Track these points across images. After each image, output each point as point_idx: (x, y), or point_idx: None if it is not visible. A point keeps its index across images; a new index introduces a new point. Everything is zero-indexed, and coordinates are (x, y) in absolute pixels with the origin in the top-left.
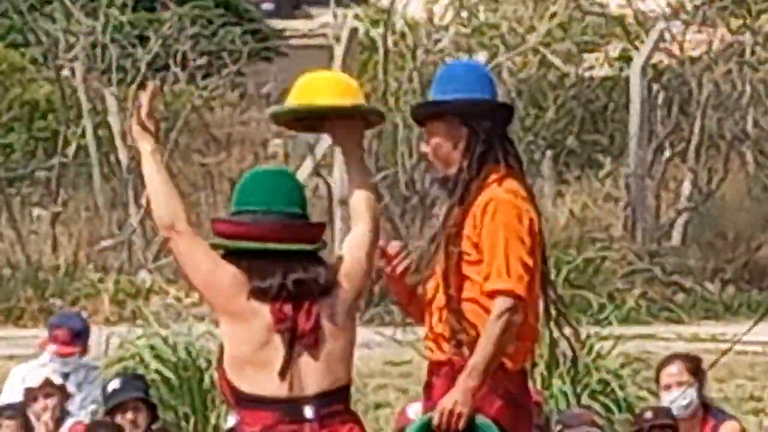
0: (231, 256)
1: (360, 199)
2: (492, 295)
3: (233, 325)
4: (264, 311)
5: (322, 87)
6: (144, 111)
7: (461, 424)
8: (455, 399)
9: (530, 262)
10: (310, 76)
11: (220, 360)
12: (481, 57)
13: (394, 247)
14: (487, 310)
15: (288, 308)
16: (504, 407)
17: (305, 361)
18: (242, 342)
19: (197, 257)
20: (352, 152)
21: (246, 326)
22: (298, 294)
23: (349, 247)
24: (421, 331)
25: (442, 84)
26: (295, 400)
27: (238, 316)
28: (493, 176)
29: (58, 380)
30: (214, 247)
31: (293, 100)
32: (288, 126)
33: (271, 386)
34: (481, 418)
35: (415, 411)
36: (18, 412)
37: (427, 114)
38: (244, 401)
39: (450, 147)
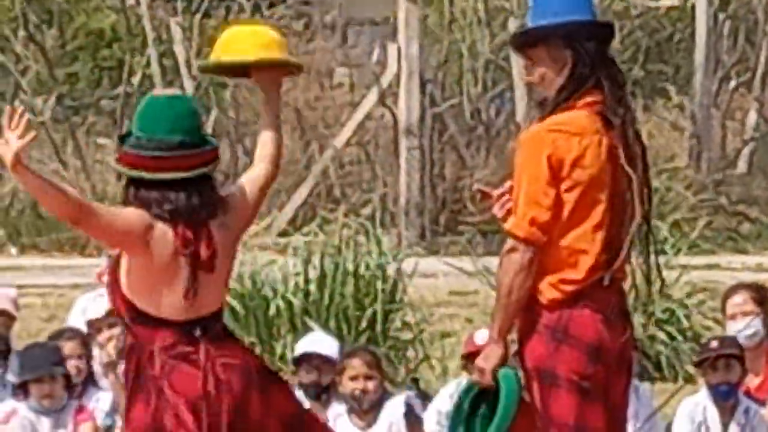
0: (132, 184)
1: (268, 140)
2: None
3: (143, 256)
4: (169, 236)
5: (247, 40)
6: (20, 146)
7: (485, 380)
8: (481, 355)
9: (543, 198)
10: (235, 29)
11: (114, 275)
12: None
13: (499, 190)
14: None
15: (189, 233)
16: (539, 342)
17: (203, 284)
18: (149, 268)
19: (108, 223)
20: (272, 99)
21: (154, 253)
22: (194, 219)
23: (247, 181)
24: (488, 261)
25: (538, 9)
26: (190, 322)
27: (147, 245)
28: (584, 100)
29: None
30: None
31: (221, 53)
32: (216, 74)
33: (173, 308)
34: (504, 369)
35: (482, 337)
36: (76, 333)
37: (529, 41)
38: (142, 320)
39: (555, 73)
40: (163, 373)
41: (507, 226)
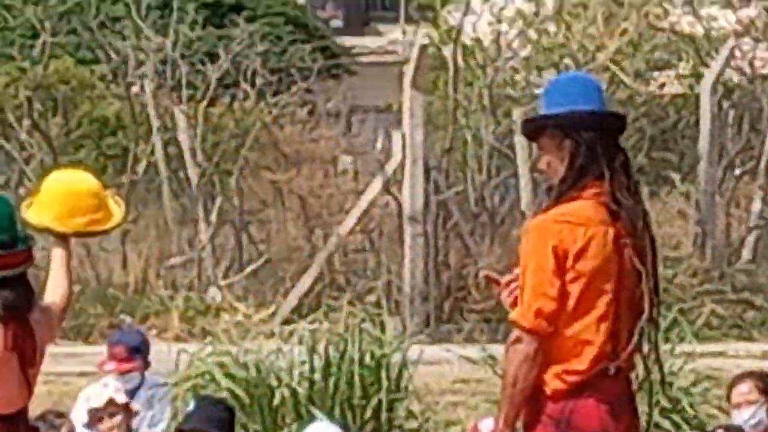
0: None
1: (58, 295)
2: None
3: None
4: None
5: (55, 205)
6: None
7: None
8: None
9: (549, 288)
10: (51, 187)
11: None
12: (551, 74)
13: (507, 277)
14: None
15: (17, 332)
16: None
17: (24, 379)
18: None
19: None
20: (66, 253)
21: None
22: (20, 316)
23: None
24: (492, 348)
25: (546, 98)
26: (12, 415)
27: None
28: (589, 190)
29: (121, 399)
30: None
31: (31, 211)
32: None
33: (4, 402)
34: None
35: (487, 426)
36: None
37: (530, 130)
38: None
39: (558, 162)
40: None
41: (512, 316)
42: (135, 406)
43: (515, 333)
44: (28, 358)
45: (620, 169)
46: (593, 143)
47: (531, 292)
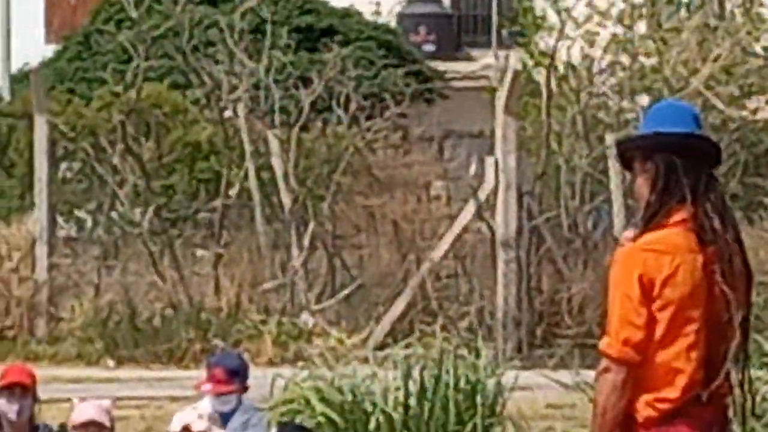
0: None
1: None
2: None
3: None
4: None
5: None
6: None
7: None
8: None
9: (636, 317)
10: None
11: None
12: (644, 100)
13: None
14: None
15: None
16: None
17: None
18: None
19: None
20: None
21: None
22: None
23: None
24: (585, 374)
25: (642, 123)
26: None
27: None
28: (676, 217)
29: (199, 427)
30: None
31: None
32: None
33: None
34: None
35: None
36: None
37: (619, 153)
38: None
39: (644, 185)
40: None
41: (601, 346)
42: (233, 425)
43: (604, 362)
44: None
45: (707, 194)
46: (674, 166)
47: (618, 321)
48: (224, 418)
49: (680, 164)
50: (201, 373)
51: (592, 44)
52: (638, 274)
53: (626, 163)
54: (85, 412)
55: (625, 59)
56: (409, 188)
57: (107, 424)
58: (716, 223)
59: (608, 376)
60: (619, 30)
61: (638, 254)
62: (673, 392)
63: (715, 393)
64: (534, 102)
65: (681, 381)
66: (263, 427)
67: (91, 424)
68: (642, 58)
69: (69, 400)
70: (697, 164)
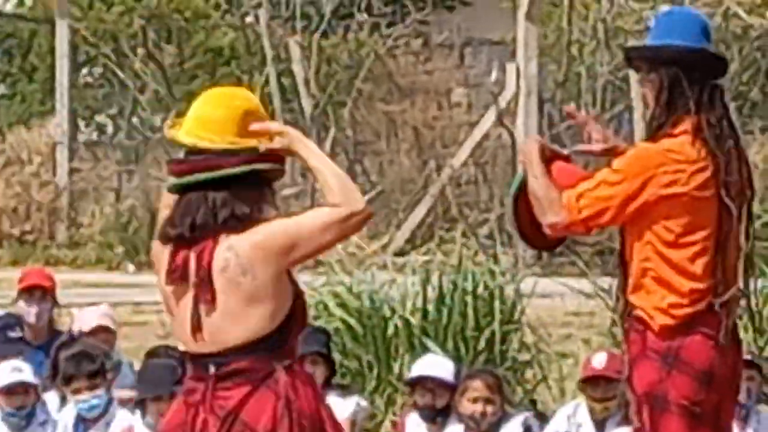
0: None
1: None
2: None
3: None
4: (162, 260)
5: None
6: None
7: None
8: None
9: (611, 201)
10: (209, 108)
11: None
12: (665, 7)
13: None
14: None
15: (181, 255)
16: (651, 368)
17: (205, 314)
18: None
19: None
20: (306, 157)
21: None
22: (182, 239)
23: (313, 212)
24: (605, 281)
25: (651, 31)
26: (201, 356)
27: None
28: (681, 127)
29: None
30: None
31: (197, 133)
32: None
33: (185, 341)
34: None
35: (599, 361)
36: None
37: (627, 62)
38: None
39: (650, 94)
40: (177, 409)
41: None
42: None
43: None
44: (197, 290)
45: (711, 105)
46: (678, 80)
47: (594, 193)
48: None
49: (684, 77)
50: None
51: None
52: (647, 177)
53: (636, 69)
54: (91, 318)
55: None
56: (430, 95)
57: (113, 327)
58: (721, 134)
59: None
60: None
61: (658, 156)
62: (683, 298)
63: (726, 302)
64: (555, 9)
65: (691, 288)
66: None
67: (100, 329)
68: None
69: (90, 304)
70: (701, 77)
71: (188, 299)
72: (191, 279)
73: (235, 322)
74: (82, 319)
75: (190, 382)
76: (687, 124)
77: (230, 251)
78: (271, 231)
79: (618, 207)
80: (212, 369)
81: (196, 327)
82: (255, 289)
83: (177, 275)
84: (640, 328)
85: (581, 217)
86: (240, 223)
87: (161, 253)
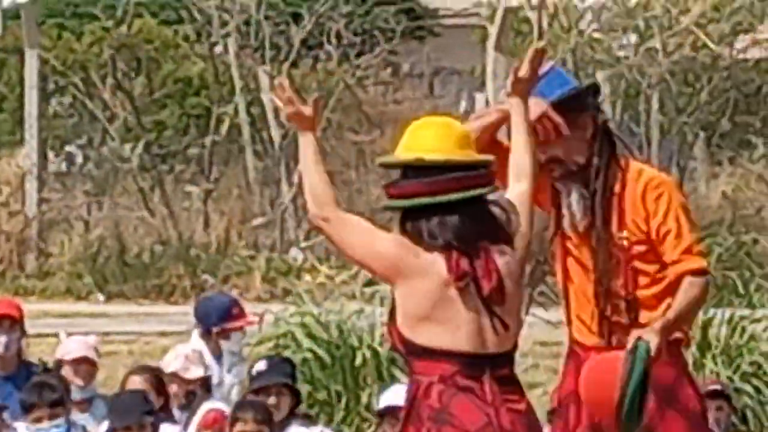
0: (406, 216)
1: (519, 157)
2: (687, 274)
3: (406, 286)
4: (439, 266)
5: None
6: (285, 99)
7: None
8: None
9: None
10: (418, 127)
11: (392, 317)
12: (633, 38)
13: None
14: (656, 297)
15: (465, 262)
16: (678, 377)
17: (486, 318)
18: (418, 299)
19: (350, 239)
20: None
21: (421, 283)
22: (471, 246)
23: (515, 198)
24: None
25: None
26: (475, 356)
27: (411, 275)
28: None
29: (174, 366)
30: (392, 209)
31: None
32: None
33: (453, 340)
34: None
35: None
36: (148, 369)
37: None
38: (420, 353)
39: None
40: (442, 402)
41: (692, 265)
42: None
43: (703, 281)
44: (489, 295)
45: None
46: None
47: (689, 234)
48: (217, 359)
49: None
50: (190, 308)
51: None
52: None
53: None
54: (75, 348)
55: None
56: (399, 125)
57: (95, 359)
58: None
59: (705, 296)
60: None
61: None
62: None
63: None
64: (524, 40)
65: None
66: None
67: (83, 360)
68: None
69: (57, 335)
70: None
71: (456, 301)
72: (485, 284)
73: (511, 325)
74: (66, 348)
75: (461, 379)
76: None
77: (505, 258)
78: (520, 238)
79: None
80: (485, 369)
81: (474, 327)
82: (522, 296)
83: (466, 281)
84: (675, 351)
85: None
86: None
87: (432, 261)
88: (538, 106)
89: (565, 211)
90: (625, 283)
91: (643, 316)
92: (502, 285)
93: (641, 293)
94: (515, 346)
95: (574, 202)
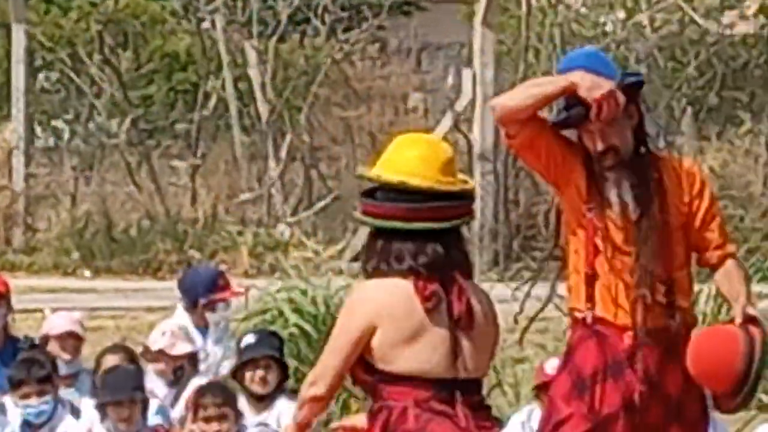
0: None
1: None
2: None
3: (384, 323)
4: (404, 288)
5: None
6: None
7: None
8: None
9: None
10: (404, 145)
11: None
12: (621, 13)
13: None
14: (687, 278)
15: (432, 286)
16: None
17: (462, 343)
18: (395, 326)
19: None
20: None
21: (395, 317)
22: (445, 273)
23: None
24: (561, 287)
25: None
26: (447, 381)
27: (384, 320)
28: None
29: (161, 343)
30: (365, 224)
31: (391, 171)
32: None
33: (428, 362)
34: None
35: (552, 367)
36: (122, 348)
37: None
38: (392, 379)
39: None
40: (419, 425)
41: (730, 247)
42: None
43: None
44: (459, 320)
45: None
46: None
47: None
48: (202, 332)
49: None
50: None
51: None
52: None
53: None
54: (61, 324)
55: None
56: (387, 100)
57: (82, 334)
58: None
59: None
60: None
61: None
62: None
63: None
64: (511, 15)
65: None
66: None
67: (69, 335)
68: None
69: (43, 310)
70: None
71: (427, 324)
72: (455, 308)
73: (482, 353)
74: (52, 324)
75: (436, 403)
76: None
77: (476, 288)
78: None
79: None
80: (456, 394)
81: (448, 350)
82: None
83: (433, 303)
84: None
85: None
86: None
87: (401, 286)
88: (607, 84)
89: (614, 199)
90: (666, 265)
91: (679, 297)
92: (471, 309)
93: (675, 275)
94: (484, 375)
95: (626, 191)
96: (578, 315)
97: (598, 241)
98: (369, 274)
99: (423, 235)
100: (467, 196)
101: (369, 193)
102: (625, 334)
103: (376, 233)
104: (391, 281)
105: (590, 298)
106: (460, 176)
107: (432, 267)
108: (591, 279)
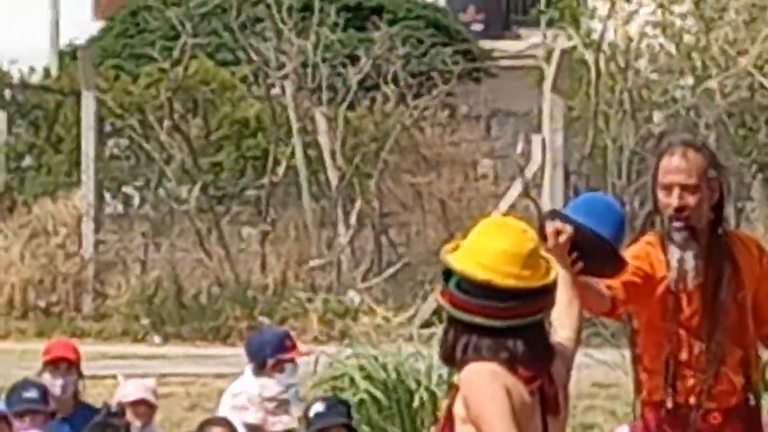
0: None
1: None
2: None
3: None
4: (504, 378)
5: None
6: None
7: None
8: None
9: None
10: (490, 235)
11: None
12: (690, 79)
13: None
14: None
15: (533, 370)
16: None
17: (549, 429)
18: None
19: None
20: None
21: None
22: (537, 365)
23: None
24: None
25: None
26: None
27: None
28: None
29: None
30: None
31: (478, 265)
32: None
33: None
34: None
35: None
36: (224, 421)
37: None
38: None
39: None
40: None
41: None
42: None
43: None
44: (549, 405)
45: None
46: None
47: None
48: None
49: None
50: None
51: (627, 23)
52: None
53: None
54: (134, 391)
55: (664, 40)
56: (456, 166)
57: (154, 402)
58: None
59: None
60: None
61: None
62: None
63: None
64: (582, 81)
65: None
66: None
67: (142, 402)
68: (687, 37)
69: (115, 377)
70: None
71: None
72: (546, 390)
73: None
74: (126, 391)
75: None
76: None
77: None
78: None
79: None
80: None
81: None
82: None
83: (537, 384)
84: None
85: None
86: None
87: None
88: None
89: (674, 264)
90: (743, 344)
91: (753, 373)
92: (557, 393)
93: (749, 352)
94: None
95: (689, 259)
96: (656, 398)
97: (661, 323)
98: (459, 364)
99: (503, 332)
100: (550, 290)
101: (449, 276)
102: (710, 416)
103: (463, 328)
104: (492, 364)
105: (671, 384)
106: (543, 261)
107: (521, 359)
108: (669, 365)
